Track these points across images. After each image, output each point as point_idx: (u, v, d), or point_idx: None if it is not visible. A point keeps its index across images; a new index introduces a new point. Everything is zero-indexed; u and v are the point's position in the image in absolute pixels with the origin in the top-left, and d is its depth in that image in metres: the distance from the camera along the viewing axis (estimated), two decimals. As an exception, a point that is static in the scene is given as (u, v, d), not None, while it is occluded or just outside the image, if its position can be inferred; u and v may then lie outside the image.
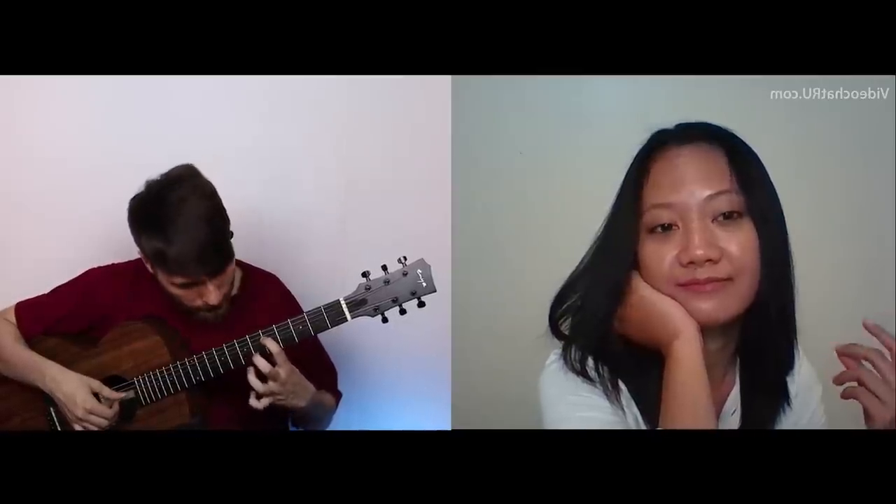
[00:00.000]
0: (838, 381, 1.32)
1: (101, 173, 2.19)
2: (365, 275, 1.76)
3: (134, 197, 1.82)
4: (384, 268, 1.76)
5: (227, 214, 1.84)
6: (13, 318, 1.93)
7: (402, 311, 1.77)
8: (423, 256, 1.77)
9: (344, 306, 1.78)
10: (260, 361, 1.78)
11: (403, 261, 1.76)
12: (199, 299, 1.83)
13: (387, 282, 1.76)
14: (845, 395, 1.31)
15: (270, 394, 1.79)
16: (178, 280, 1.80)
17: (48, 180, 2.21)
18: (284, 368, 1.79)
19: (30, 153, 2.22)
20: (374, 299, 1.77)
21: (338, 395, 2.05)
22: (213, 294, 1.82)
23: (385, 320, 1.78)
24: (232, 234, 1.86)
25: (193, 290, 1.82)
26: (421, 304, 1.77)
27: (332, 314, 1.78)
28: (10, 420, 1.92)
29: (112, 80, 2.12)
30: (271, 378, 1.78)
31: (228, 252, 1.83)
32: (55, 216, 2.22)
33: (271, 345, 1.78)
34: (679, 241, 1.31)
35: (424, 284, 1.76)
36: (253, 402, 1.80)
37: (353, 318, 1.78)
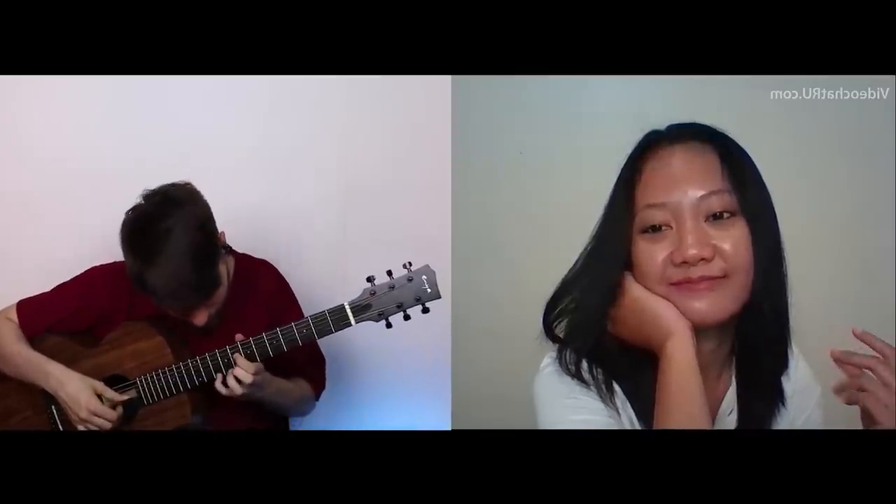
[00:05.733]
0: (838, 389, 1.31)
1: (101, 173, 2.19)
2: (370, 279, 1.75)
3: (129, 210, 1.79)
4: (389, 273, 1.74)
5: (215, 241, 1.80)
6: (15, 317, 1.92)
7: (407, 317, 1.77)
8: (423, 257, 1.76)
9: (348, 311, 1.77)
10: (231, 380, 1.79)
11: (408, 266, 1.74)
12: (186, 317, 1.83)
13: (392, 287, 1.75)
14: (851, 402, 1.29)
15: (232, 394, 1.81)
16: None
17: (48, 180, 2.21)
18: (255, 380, 1.79)
19: (30, 153, 2.22)
20: (378, 304, 1.76)
21: (320, 387, 2.03)
22: (198, 317, 1.82)
23: (389, 325, 1.77)
24: (226, 248, 1.84)
25: (178, 310, 1.82)
26: (425, 311, 1.76)
27: (337, 318, 1.77)
28: (10, 418, 1.91)
29: (112, 80, 2.12)
30: (236, 392, 1.80)
31: (213, 282, 1.80)
32: (55, 216, 2.22)
33: (242, 364, 1.78)
34: (672, 240, 1.31)
35: (429, 290, 1.75)
36: (219, 386, 1.80)
37: (357, 322, 1.77)
